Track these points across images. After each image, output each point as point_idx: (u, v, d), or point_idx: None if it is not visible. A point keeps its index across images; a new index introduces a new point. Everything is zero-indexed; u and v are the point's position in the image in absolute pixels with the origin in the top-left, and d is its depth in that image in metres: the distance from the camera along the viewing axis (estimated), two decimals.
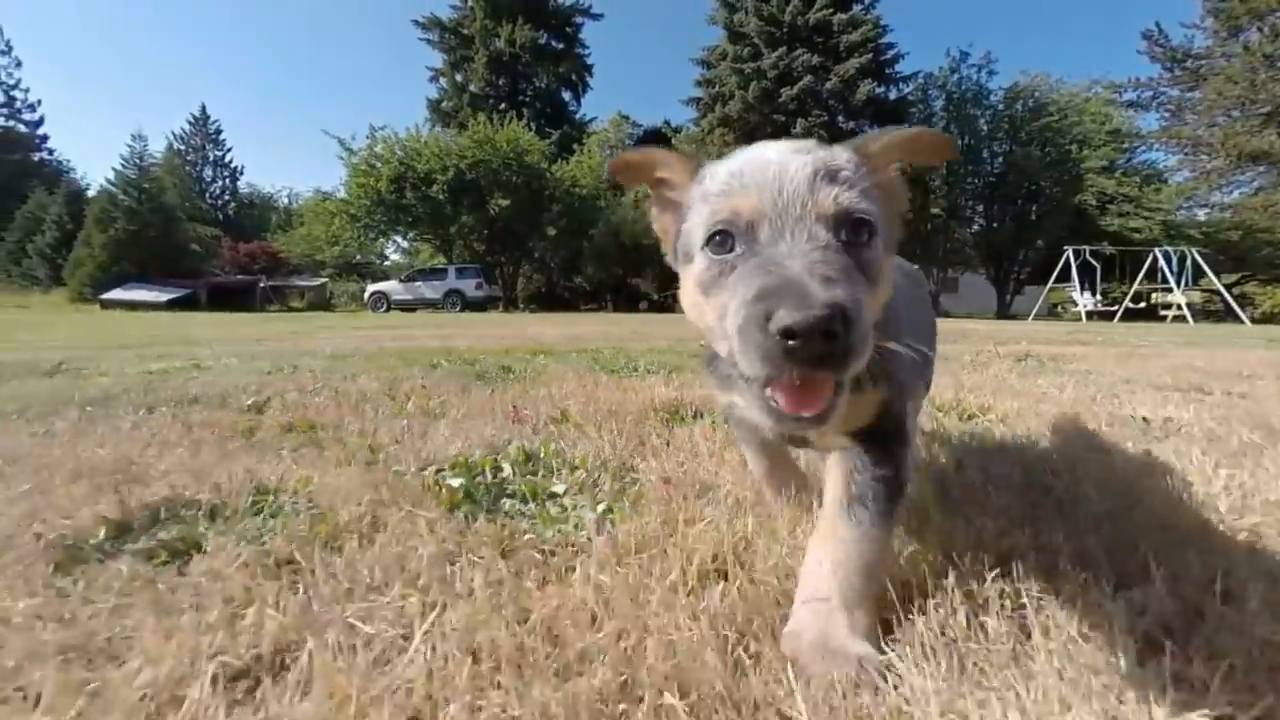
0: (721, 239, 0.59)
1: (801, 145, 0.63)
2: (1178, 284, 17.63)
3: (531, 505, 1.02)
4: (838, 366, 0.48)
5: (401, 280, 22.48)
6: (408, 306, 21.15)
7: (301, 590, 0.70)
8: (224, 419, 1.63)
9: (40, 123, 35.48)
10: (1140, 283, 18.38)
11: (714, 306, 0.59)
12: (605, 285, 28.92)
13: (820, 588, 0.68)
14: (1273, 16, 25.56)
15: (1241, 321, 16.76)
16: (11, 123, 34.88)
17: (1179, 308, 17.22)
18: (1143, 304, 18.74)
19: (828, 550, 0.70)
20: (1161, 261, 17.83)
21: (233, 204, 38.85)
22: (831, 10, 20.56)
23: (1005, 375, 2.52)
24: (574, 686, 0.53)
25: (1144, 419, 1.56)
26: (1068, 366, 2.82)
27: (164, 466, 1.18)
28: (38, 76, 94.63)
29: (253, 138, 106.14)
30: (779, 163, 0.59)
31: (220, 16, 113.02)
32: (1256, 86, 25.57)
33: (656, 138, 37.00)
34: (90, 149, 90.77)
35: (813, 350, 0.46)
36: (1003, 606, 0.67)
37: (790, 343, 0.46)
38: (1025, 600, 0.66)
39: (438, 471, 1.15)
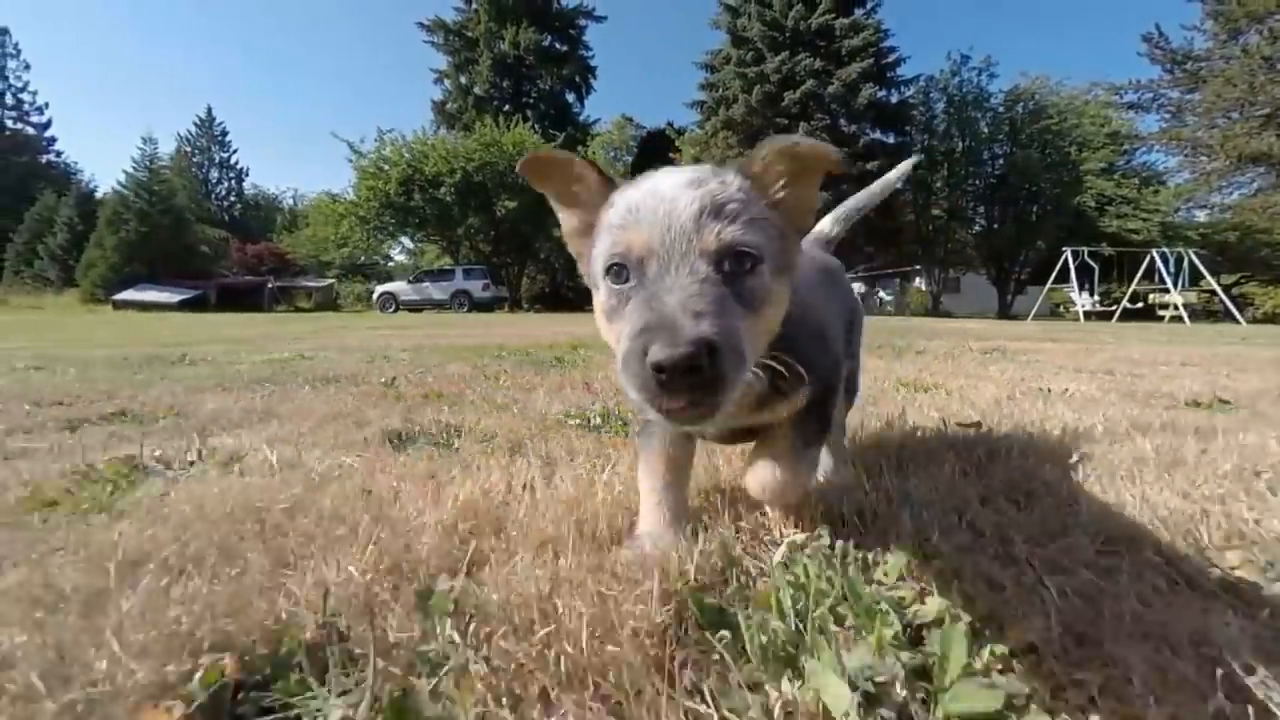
0: (618, 271, 0.66)
1: (694, 177, 0.68)
2: (1175, 285, 18.18)
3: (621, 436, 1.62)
4: (707, 394, 0.54)
5: (409, 281, 23.06)
6: (415, 307, 21.65)
7: (523, 458, 1.30)
8: (374, 391, 2.24)
9: (48, 125, 36.34)
10: (1138, 283, 18.95)
11: (614, 333, 0.66)
12: None
13: (776, 445, 0.82)
14: (1271, 19, 26.12)
15: (1238, 322, 17.30)
16: (20, 125, 35.70)
17: (1176, 308, 17.76)
18: (1140, 304, 19.28)
19: (767, 444, 0.84)
20: (1159, 263, 18.38)
21: (238, 205, 39.61)
22: (833, 15, 21.18)
23: (967, 364, 3.12)
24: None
25: (1048, 389, 2.15)
26: (1022, 357, 3.42)
27: (378, 413, 1.79)
28: (46, 79, 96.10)
29: (257, 139, 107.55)
30: (670, 199, 0.64)
31: (224, 17, 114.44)
32: (1255, 89, 26.12)
33: (660, 140, 37.55)
34: (98, 151, 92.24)
35: (679, 382, 0.53)
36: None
37: (660, 376, 0.53)
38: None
39: (558, 419, 1.76)
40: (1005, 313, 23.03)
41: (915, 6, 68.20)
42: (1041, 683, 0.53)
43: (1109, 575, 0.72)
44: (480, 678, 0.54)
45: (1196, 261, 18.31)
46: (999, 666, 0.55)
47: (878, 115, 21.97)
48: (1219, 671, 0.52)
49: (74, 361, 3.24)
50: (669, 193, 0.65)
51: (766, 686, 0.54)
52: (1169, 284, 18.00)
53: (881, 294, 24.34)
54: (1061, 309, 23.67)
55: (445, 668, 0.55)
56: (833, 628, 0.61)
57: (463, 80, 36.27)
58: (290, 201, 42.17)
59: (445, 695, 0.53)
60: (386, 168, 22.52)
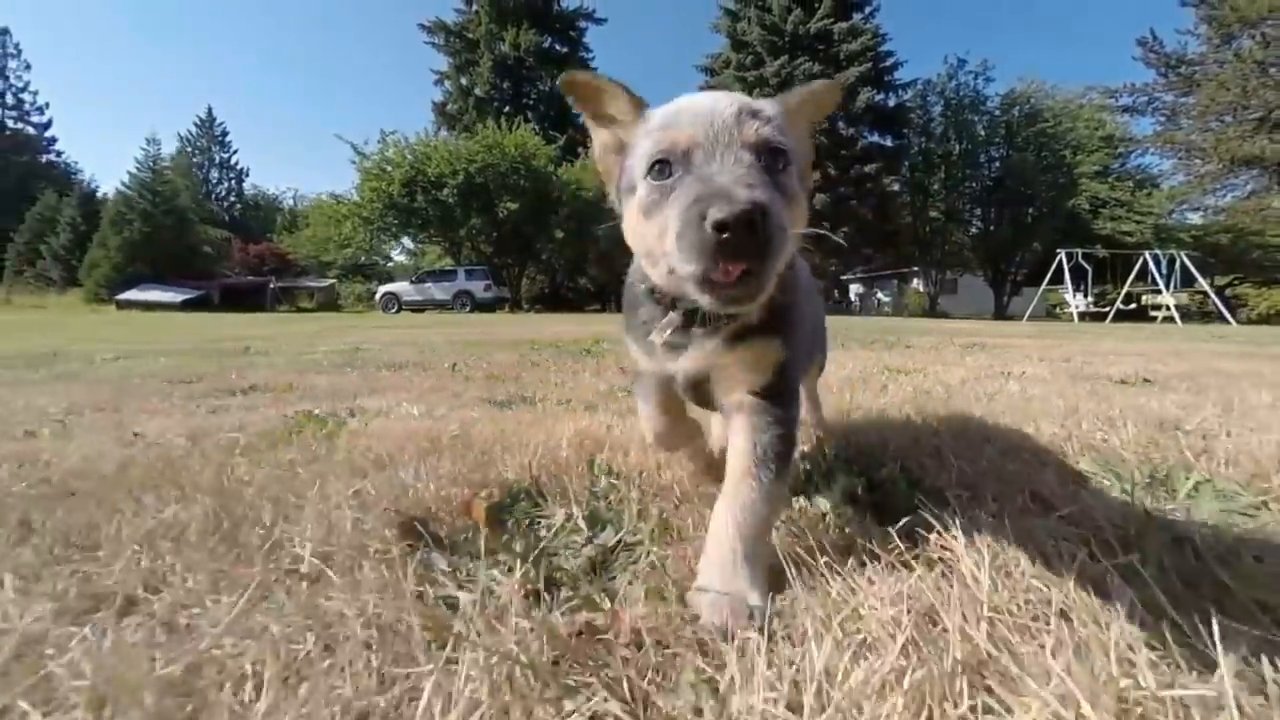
0: (661, 168, 0.69)
1: (730, 93, 0.75)
2: (1166, 286, 18.72)
3: None
4: (761, 255, 0.60)
5: (412, 281, 23.44)
6: (417, 307, 22.01)
7: (601, 412, 1.75)
8: (444, 373, 2.69)
9: (49, 125, 36.68)
10: (1131, 285, 19.50)
11: (654, 227, 0.68)
12: (609, 286, 30.05)
13: (724, 548, 0.77)
14: (1264, 25, 26.79)
15: (1228, 322, 17.85)
16: (20, 125, 36.03)
17: (1168, 309, 18.29)
18: (1134, 305, 19.84)
19: (733, 510, 0.79)
20: (1151, 265, 18.92)
21: (238, 205, 39.98)
22: (832, 20, 21.72)
23: (947, 355, 3.59)
24: None
25: (1008, 373, 2.61)
26: (998, 350, 3.89)
27: (461, 388, 2.24)
28: (46, 79, 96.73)
29: (256, 139, 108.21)
30: (710, 102, 0.71)
31: (223, 17, 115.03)
32: (1248, 93, 26.79)
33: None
34: (98, 151, 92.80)
35: (739, 240, 0.57)
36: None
37: (722, 235, 0.57)
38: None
39: (609, 392, 2.21)
40: (1001, 314, 23.58)
41: (912, 11, 69.41)
42: (941, 502, 0.98)
43: (1002, 457, 1.18)
44: (634, 499, 1.00)
45: (1188, 263, 18.86)
46: (922, 499, 1.00)
47: (876, 118, 22.51)
48: (1030, 491, 0.98)
49: (155, 354, 3.68)
50: (707, 99, 0.73)
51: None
52: (1161, 285, 18.56)
53: (879, 295, 24.87)
54: (1058, 310, 24.24)
55: (610, 495, 1.01)
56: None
57: (463, 81, 36.65)
58: (290, 202, 42.66)
59: (613, 509, 0.98)
60: (389, 169, 22.95)
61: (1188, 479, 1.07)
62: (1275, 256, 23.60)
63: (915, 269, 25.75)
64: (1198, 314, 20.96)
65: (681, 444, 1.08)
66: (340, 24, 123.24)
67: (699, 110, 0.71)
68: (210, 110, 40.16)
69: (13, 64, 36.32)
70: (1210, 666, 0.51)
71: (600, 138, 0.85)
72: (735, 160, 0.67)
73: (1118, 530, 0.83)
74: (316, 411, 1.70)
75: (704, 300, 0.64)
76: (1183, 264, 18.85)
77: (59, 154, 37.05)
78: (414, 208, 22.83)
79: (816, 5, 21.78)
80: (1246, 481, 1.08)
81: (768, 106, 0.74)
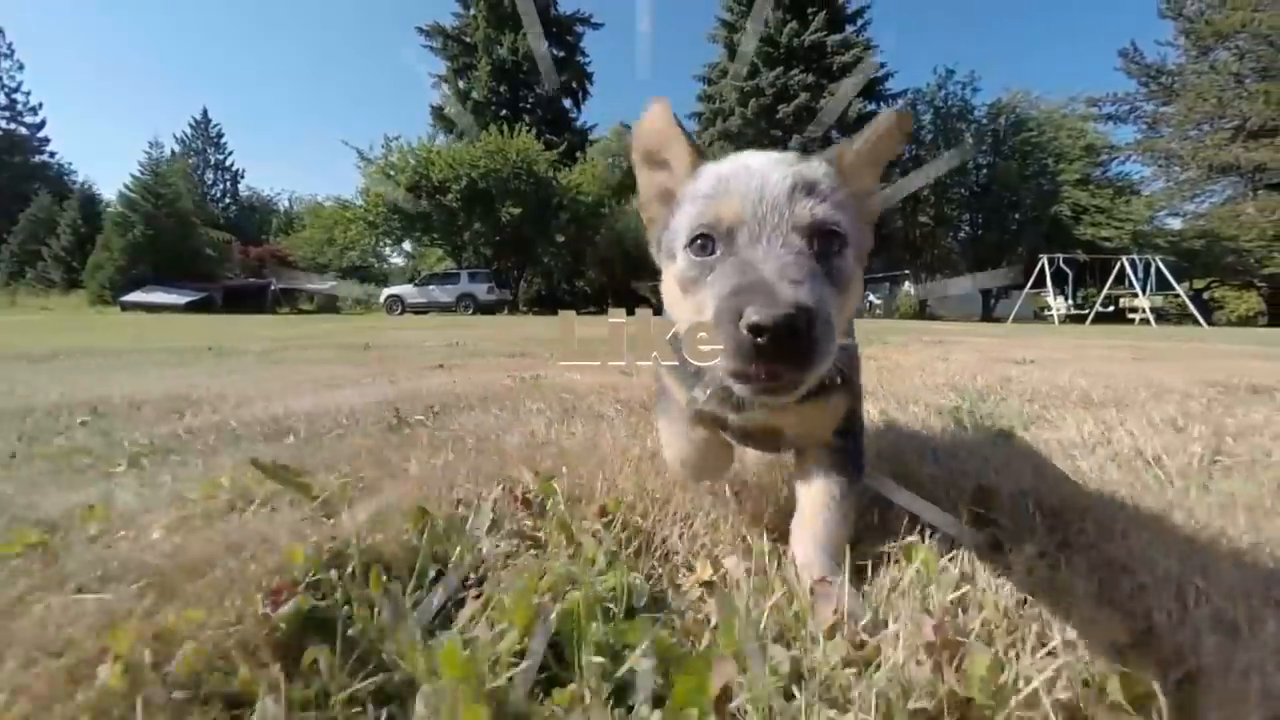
0: (703, 242, 0.67)
1: (784, 157, 0.71)
2: (1143, 290, 20.00)
3: None
4: (801, 363, 0.55)
5: (415, 284, 24.18)
6: (420, 309, 22.75)
7: None
8: (517, 361, 3.63)
9: (42, 125, 37.10)
10: (1110, 288, 20.78)
11: (692, 305, 0.66)
12: (606, 289, 30.98)
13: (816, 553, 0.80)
14: (1237, 38, 28.35)
15: (1199, 324, 19.14)
16: (13, 125, 36.45)
17: (1144, 311, 19.56)
18: (1112, 308, 21.12)
19: (816, 534, 0.82)
20: (1128, 269, 20.19)
21: (233, 207, 40.55)
22: (825, 32, 22.90)
23: (913, 349, 4.58)
24: None
25: (946, 358, 3.59)
26: (950, 345, 4.91)
27: (546, 372, 3.19)
28: (40, 79, 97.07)
29: (250, 140, 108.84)
30: (761, 173, 0.67)
31: (221, 17, 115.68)
32: (1224, 103, 28.34)
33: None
34: (90, 151, 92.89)
35: (778, 347, 0.53)
36: None
37: (759, 339, 0.53)
38: None
39: None
40: (988, 315, 24.81)
41: (902, 23, 71.86)
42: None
43: (896, 406, 2.16)
44: None
45: (1163, 268, 20.15)
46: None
47: None
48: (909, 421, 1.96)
49: (300, 348, 4.59)
50: (761, 167, 0.68)
51: None
52: (1138, 289, 19.83)
53: (871, 297, 26.00)
54: (1044, 312, 25.52)
55: None
56: None
57: (461, 85, 37.38)
58: (286, 204, 43.27)
59: None
60: (393, 174, 23.78)
61: (1004, 398, 2.05)
62: (1248, 261, 25.01)
63: (906, 272, 26.97)
64: (1175, 316, 22.28)
65: (714, 475, 1.00)
66: (336, 25, 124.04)
67: (750, 181, 0.67)
68: (205, 111, 40.85)
69: (5, 64, 36.82)
70: None
71: (648, 180, 0.82)
72: (784, 245, 0.63)
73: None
74: (524, 376, 2.67)
75: (738, 390, 0.61)
76: (1158, 268, 20.14)
77: (52, 155, 37.57)
78: (418, 212, 23.68)
79: (810, 18, 22.94)
80: (1028, 396, 2.07)
81: (824, 177, 0.69)
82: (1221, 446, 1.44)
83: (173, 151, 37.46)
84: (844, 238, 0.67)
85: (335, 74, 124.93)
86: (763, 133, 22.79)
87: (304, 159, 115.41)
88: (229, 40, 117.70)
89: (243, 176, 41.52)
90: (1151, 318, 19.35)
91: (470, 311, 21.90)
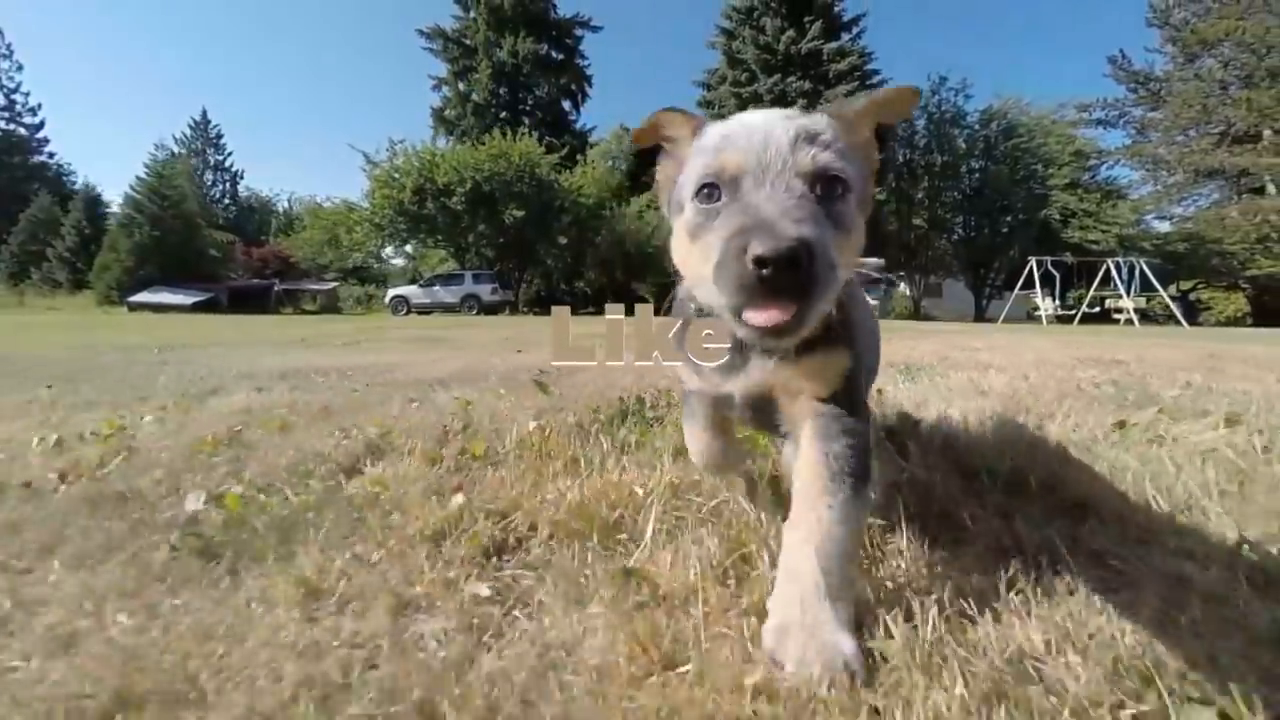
0: (709, 191, 0.71)
1: (787, 111, 0.76)
2: (1127, 292, 21.05)
3: None
4: (803, 294, 0.58)
5: (421, 285, 24.94)
6: (425, 310, 23.50)
7: None
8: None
9: (41, 126, 37.58)
10: (1097, 289, 21.84)
11: (699, 250, 0.69)
12: (605, 289, 31.83)
13: (804, 581, 0.71)
14: (1222, 46, 29.55)
15: (1180, 324, 20.19)
16: (13, 126, 36.94)
17: (1128, 312, 20.60)
18: (1098, 309, 22.15)
19: (808, 536, 0.73)
20: (1114, 271, 21.24)
21: (233, 208, 41.18)
22: (822, 40, 23.89)
23: (894, 342, 5.46)
24: None
25: (913, 346, 4.45)
26: (925, 337, 5.79)
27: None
28: (38, 80, 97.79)
29: (246, 140, 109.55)
30: (765, 125, 0.71)
31: (217, 17, 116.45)
32: (1209, 109, 29.51)
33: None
34: (90, 151, 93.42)
35: (780, 278, 0.56)
36: None
37: (762, 271, 0.56)
38: None
39: None
40: (981, 316, 25.83)
41: (897, 31, 74.38)
42: None
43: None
44: None
45: (1147, 270, 21.20)
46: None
47: None
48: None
49: (372, 344, 5.42)
50: (764, 121, 0.73)
51: None
52: (1122, 291, 20.87)
53: (868, 298, 26.95)
54: (1036, 313, 26.57)
55: None
56: None
57: (461, 87, 38.09)
58: (285, 204, 43.89)
59: None
60: (399, 177, 24.55)
61: (933, 365, 2.92)
62: (1231, 263, 26.14)
63: (901, 274, 27.98)
64: (1162, 317, 23.34)
65: (730, 469, 1.08)
66: (333, 25, 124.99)
67: (753, 133, 0.71)
68: (205, 112, 41.45)
69: (4, 65, 37.32)
70: None
71: (663, 169, 0.88)
72: (786, 189, 0.66)
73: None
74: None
75: (739, 333, 0.64)
76: (1142, 271, 21.20)
77: (51, 155, 38.05)
78: (424, 214, 24.46)
79: (807, 26, 23.91)
80: (951, 364, 2.94)
81: (827, 128, 0.73)
82: (1035, 385, 2.33)
83: (173, 153, 38.09)
84: (846, 183, 0.71)
85: (334, 74, 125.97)
86: None
87: (302, 159, 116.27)
88: (227, 40, 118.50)
89: (242, 177, 42.23)
90: (1135, 318, 20.39)
91: (474, 312, 22.66)
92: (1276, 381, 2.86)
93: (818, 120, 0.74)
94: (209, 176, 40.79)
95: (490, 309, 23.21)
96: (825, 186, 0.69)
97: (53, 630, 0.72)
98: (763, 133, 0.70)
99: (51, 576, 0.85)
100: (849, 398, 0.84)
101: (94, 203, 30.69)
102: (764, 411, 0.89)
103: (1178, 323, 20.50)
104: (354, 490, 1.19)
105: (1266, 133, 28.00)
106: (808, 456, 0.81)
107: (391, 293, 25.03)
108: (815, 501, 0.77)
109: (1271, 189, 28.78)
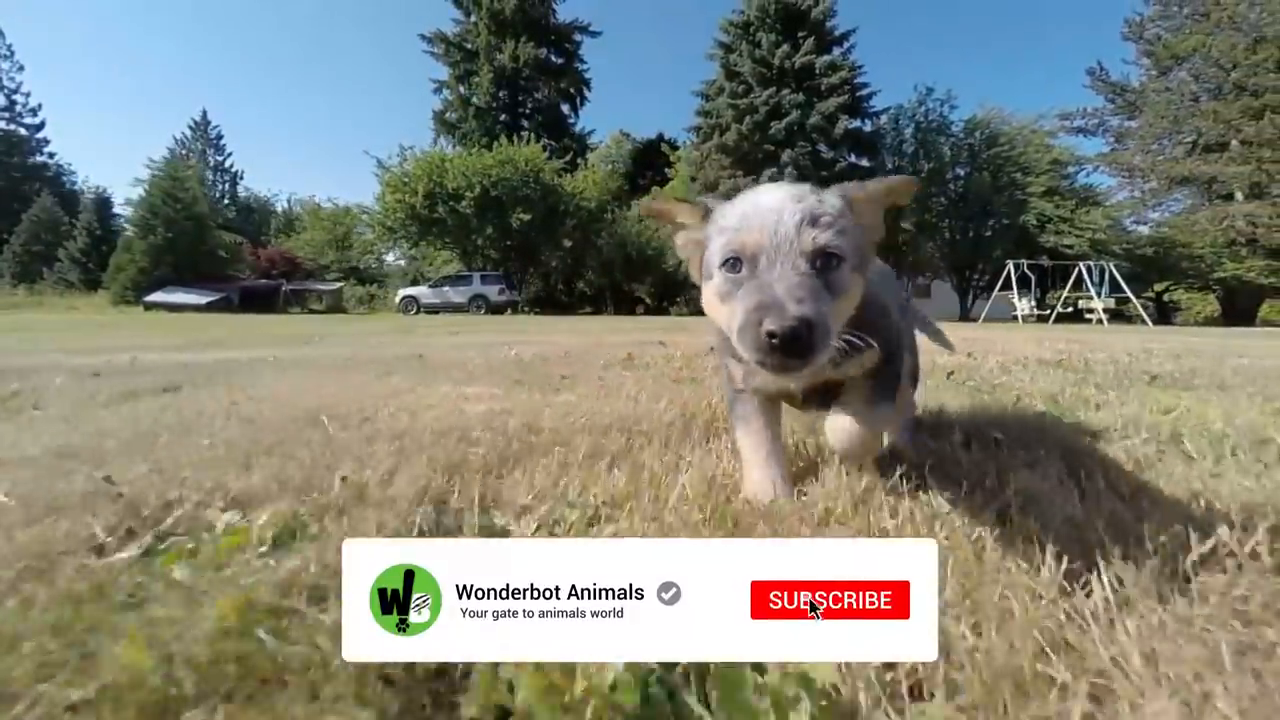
0: (732, 264, 0.92)
1: (797, 192, 0.95)
2: (1098, 294, 23.15)
3: None
4: (804, 356, 0.80)
5: (430, 285, 26.43)
6: (434, 310, 24.84)
7: None
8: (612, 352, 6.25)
9: (41, 126, 38.58)
10: (1070, 291, 23.94)
11: (728, 311, 0.92)
12: (605, 290, 33.53)
13: (861, 391, 1.08)
14: (1192, 60, 31.94)
15: (1146, 324, 22.31)
16: (13, 126, 37.93)
17: (1098, 312, 22.67)
18: (1071, 309, 24.25)
19: (857, 393, 1.10)
20: (1085, 274, 23.33)
21: (232, 209, 42.40)
22: (814, 55, 25.84)
23: None
24: None
25: None
26: None
27: (665, 369, 5.81)
28: (39, 80, 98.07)
29: (243, 140, 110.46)
30: (777, 209, 0.91)
31: (214, 17, 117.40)
32: (1179, 120, 31.89)
33: (653, 151, 41.89)
34: (91, 151, 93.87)
35: (786, 347, 0.78)
36: None
37: (773, 341, 0.78)
38: None
39: None
40: (965, 315, 27.92)
41: (886, 46, 78.44)
42: None
43: None
44: None
45: (1116, 273, 23.32)
46: None
47: (854, 143, 26.70)
48: None
49: (460, 345, 7.14)
50: (775, 203, 0.92)
51: None
52: (1093, 293, 22.94)
53: None
54: (1013, 313, 28.68)
55: None
56: None
57: (462, 90, 39.51)
58: (285, 205, 45.17)
59: None
60: (410, 181, 26.11)
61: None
62: (1200, 266, 28.42)
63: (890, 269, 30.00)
64: (1135, 317, 25.49)
65: (781, 464, 1.24)
66: (330, 23, 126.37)
67: (765, 217, 0.90)
68: (205, 113, 42.63)
69: (5, 65, 38.32)
70: None
71: (680, 239, 1.10)
72: (792, 268, 0.86)
73: None
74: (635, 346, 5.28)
75: (763, 371, 0.86)
76: (1111, 274, 23.31)
77: (52, 156, 39.08)
78: (434, 218, 26.04)
79: (801, 41, 25.87)
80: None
81: (829, 210, 0.92)
82: (971, 364, 4.11)
83: (186, 153, 39.25)
84: (840, 257, 0.90)
85: (334, 76, 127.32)
86: (756, 146, 25.64)
87: (299, 159, 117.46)
88: (226, 37, 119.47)
89: (241, 178, 43.44)
90: (1105, 318, 22.48)
91: (482, 311, 24.16)
92: (1124, 352, 4.73)
93: (821, 202, 0.94)
94: (209, 177, 41.93)
95: (497, 309, 24.59)
96: (823, 261, 0.89)
97: None
98: (775, 217, 0.90)
99: None
100: (887, 373, 1.13)
101: (104, 204, 31.93)
102: (819, 397, 1.19)
103: (1143, 322, 22.64)
104: None
105: (1233, 143, 30.27)
106: (853, 387, 1.12)
107: (402, 293, 26.38)
108: (862, 388, 1.11)
109: (1239, 196, 31.12)
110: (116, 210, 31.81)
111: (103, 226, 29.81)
